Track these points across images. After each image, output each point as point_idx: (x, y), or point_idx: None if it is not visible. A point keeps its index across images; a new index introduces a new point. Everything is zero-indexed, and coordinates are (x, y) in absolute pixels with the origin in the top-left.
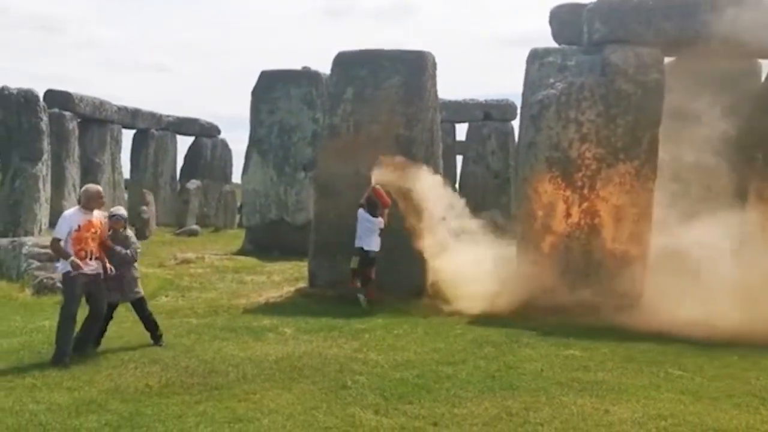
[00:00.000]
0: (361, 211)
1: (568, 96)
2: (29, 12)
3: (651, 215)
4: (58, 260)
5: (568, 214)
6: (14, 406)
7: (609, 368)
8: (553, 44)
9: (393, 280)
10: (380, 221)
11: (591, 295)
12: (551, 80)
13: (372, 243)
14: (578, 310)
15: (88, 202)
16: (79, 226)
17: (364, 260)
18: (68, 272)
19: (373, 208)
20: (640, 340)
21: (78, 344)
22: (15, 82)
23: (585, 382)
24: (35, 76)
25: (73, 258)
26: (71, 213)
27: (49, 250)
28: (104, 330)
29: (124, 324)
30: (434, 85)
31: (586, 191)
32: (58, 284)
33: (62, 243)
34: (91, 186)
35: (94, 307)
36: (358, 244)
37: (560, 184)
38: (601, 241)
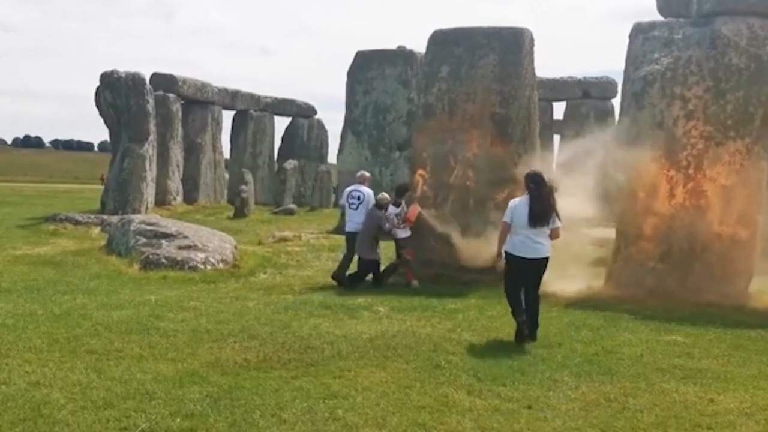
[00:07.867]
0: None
1: (674, 71)
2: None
3: (762, 196)
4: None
5: (672, 195)
6: (123, 375)
7: (714, 355)
8: (659, 18)
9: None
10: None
11: (695, 279)
12: (656, 55)
13: (398, 232)
14: (681, 295)
15: (366, 181)
16: None
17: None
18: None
19: (399, 196)
20: (748, 327)
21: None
22: (131, 66)
23: (688, 370)
24: (149, 60)
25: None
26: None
27: (154, 228)
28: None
29: None
30: (531, 62)
31: (691, 171)
32: (163, 260)
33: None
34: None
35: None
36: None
37: (664, 163)
38: (707, 223)
